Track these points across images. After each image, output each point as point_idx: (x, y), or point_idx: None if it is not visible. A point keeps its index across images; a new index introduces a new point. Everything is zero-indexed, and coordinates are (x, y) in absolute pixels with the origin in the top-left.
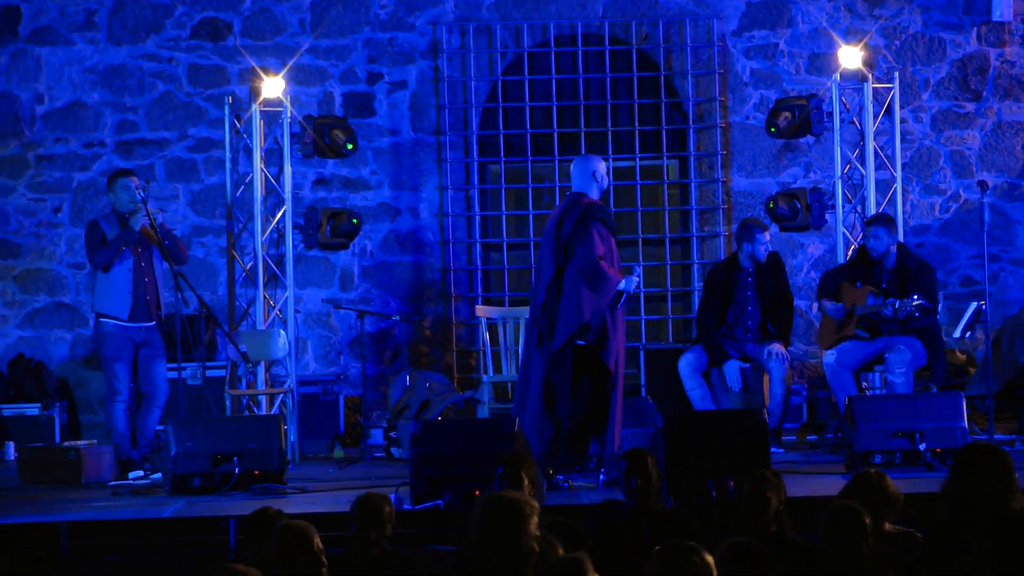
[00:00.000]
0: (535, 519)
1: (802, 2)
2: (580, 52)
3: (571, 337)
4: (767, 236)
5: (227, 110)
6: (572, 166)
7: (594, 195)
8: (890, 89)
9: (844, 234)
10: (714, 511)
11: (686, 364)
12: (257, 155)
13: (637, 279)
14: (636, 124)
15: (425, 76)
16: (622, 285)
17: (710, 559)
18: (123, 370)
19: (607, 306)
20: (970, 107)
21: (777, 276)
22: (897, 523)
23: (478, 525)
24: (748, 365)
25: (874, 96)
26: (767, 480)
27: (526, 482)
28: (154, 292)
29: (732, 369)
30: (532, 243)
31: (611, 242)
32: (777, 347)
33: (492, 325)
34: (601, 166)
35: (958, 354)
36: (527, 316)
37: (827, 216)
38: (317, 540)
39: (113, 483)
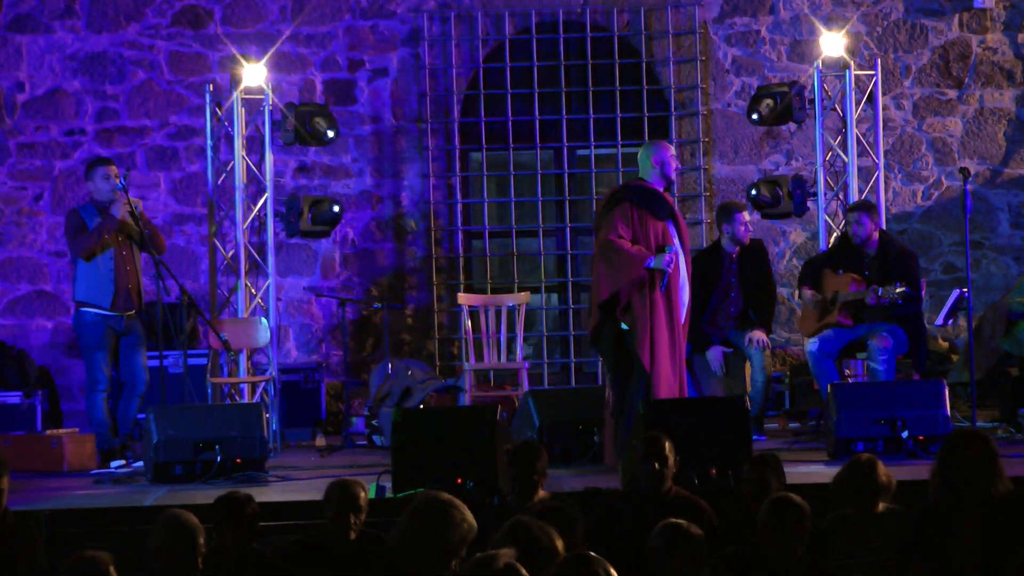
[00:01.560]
0: (465, 525)
1: None
2: (561, 39)
3: (598, 318)
4: (746, 216)
5: (208, 98)
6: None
7: (653, 181)
8: (872, 76)
9: (826, 221)
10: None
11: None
12: (238, 143)
13: (671, 257)
14: (617, 111)
15: (406, 64)
16: (651, 262)
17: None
18: (103, 359)
19: (635, 284)
20: (952, 94)
21: (760, 264)
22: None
23: (404, 523)
24: (730, 351)
25: (856, 83)
26: (768, 463)
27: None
28: (136, 281)
29: (715, 355)
30: (514, 231)
31: (648, 223)
32: (758, 334)
33: (474, 313)
34: (664, 153)
35: (940, 341)
36: (510, 303)
37: (809, 203)
38: (202, 541)
39: (95, 472)
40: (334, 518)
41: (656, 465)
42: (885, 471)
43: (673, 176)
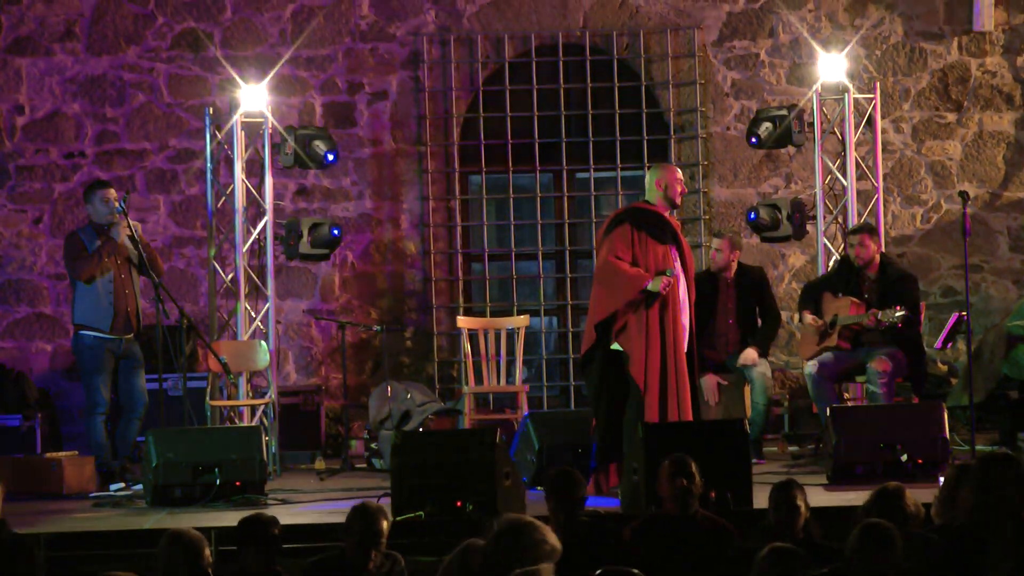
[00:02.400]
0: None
1: (783, 12)
2: (561, 62)
3: (592, 339)
4: (715, 242)
5: (207, 121)
6: None
7: (657, 204)
8: (871, 99)
9: (825, 244)
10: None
11: None
12: (238, 166)
13: (668, 281)
14: (617, 134)
15: (406, 86)
16: (649, 285)
17: None
18: (102, 382)
19: (631, 305)
20: (951, 117)
21: (762, 292)
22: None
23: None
24: (728, 377)
25: (855, 106)
26: (796, 486)
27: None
28: (134, 304)
29: (708, 384)
30: (513, 254)
31: (649, 246)
32: (750, 352)
33: (473, 336)
34: (669, 175)
35: (939, 364)
36: (509, 326)
37: (808, 227)
38: (207, 552)
39: (94, 494)
40: (355, 546)
41: (684, 482)
42: (913, 499)
43: (678, 200)
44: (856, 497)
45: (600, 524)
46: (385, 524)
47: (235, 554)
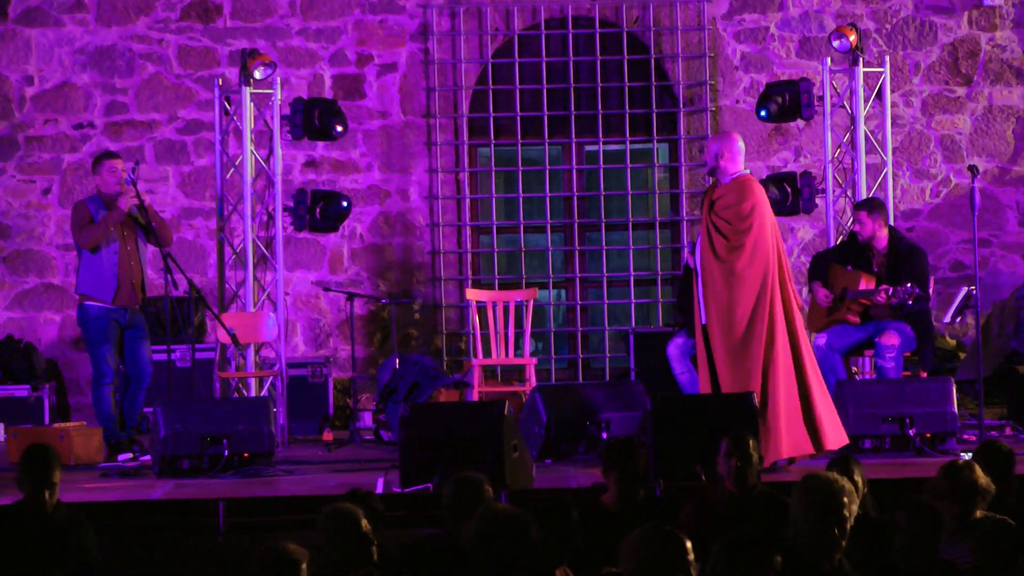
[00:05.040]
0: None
1: None
2: (570, 35)
3: None
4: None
5: (217, 92)
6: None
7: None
8: (880, 73)
9: (834, 218)
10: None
11: (675, 348)
12: (247, 137)
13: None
14: (626, 107)
15: (415, 59)
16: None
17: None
18: (109, 352)
19: None
20: (961, 91)
21: None
22: None
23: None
24: None
25: (865, 80)
26: (854, 462)
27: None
28: (139, 275)
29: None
30: (522, 226)
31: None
32: None
33: (481, 308)
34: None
35: (948, 339)
36: (518, 299)
37: (817, 200)
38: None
39: (102, 465)
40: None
41: (737, 462)
42: (984, 475)
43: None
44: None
45: (655, 497)
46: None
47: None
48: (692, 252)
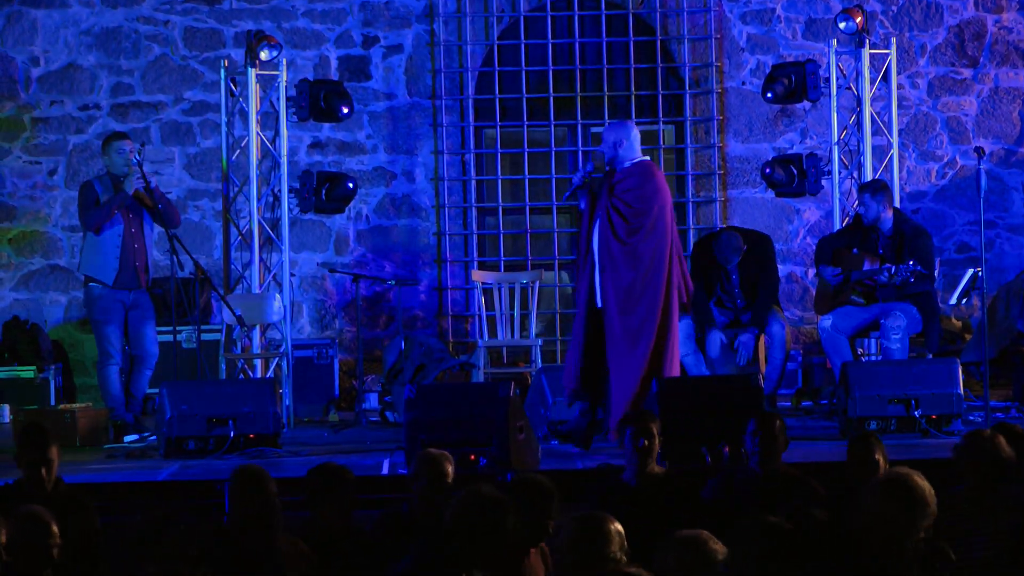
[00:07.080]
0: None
1: None
2: (576, 16)
3: None
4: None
5: (223, 73)
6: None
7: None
8: (887, 55)
9: (840, 200)
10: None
11: (680, 331)
12: (253, 119)
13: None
14: (632, 89)
15: (421, 40)
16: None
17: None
18: (114, 333)
19: None
20: (967, 73)
21: (763, 258)
22: None
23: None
24: (754, 331)
25: (871, 62)
26: (875, 441)
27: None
28: (143, 258)
29: (713, 339)
30: (527, 208)
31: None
32: (746, 337)
33: (487, 290)
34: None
35: (953, 320)
36: (523, 280)
37: (823, 182)
38: (271, 485)
39: (108, 446)
40: (422, 493)
41: (764, 442)
42: (1007, 447)
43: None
44: None
45: (676, 477)
46: (450, 468)
47: (304, 507)
48: (588, 238)
